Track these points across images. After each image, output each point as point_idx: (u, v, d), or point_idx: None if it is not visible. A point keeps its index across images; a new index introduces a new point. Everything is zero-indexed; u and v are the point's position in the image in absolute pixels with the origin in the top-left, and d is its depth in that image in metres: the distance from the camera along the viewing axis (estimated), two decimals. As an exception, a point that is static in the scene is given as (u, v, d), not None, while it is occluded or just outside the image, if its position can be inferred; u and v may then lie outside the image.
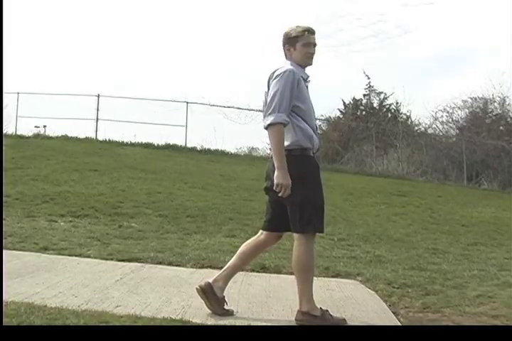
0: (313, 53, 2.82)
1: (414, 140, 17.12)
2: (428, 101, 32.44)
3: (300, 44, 2.79)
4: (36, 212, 5.62)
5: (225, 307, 2.78)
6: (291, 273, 3.08)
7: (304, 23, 2.85)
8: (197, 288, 2.81)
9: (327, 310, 2.75)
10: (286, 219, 2.74)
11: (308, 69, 2.90)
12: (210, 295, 2.76)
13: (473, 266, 4.51)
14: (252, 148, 16.82)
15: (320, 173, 2.80)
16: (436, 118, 19.15)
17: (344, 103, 20.89)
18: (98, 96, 14.57)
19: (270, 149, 2.77)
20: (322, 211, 2.74)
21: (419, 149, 16.78)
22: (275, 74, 2.74)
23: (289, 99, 2.65)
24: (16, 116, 14.56)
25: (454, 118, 19.37)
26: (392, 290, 3.55)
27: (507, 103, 18.80)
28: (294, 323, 2.67)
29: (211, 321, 2.63)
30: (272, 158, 2.71)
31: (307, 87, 2.85)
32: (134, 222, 5.56)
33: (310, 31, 2.80)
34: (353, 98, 20.86)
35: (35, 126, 14.33)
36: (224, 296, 2.80)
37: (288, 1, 33.23)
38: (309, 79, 2.87)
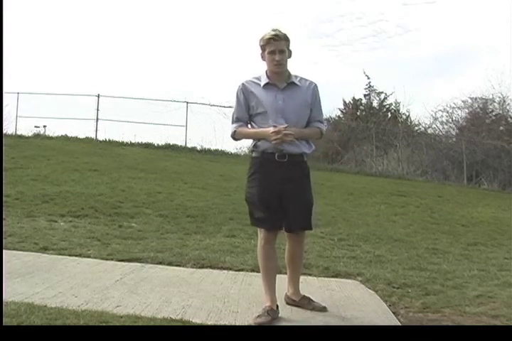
0: (279, 60, 2.74)
1: (414, 140, 17.12)
2: (428, 101, 32.49)
3: (266, 52, 2.78)
4: (36, 212, 5.62)
5: (313, 302, 2.98)
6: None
7: (282, 28, 2.79)
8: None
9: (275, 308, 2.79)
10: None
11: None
12: (292, 302, 3.02)
13: (473, 266, 4.51)
14: (252, 148, 16.78)
15: (268, 171, 2.80)
16: (436, 118, 19.19)
17: (344, 102, 20.92)
18: (98, 96, 14.57)
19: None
20: (258, 207, 2.82)
21: (419, 149, 16.77)
22: None
23: (236, 111, 2.91)
24: (15, 116, 14.60)
25: (454, 118, 19.41)
26: (392, 290, 3.54)
27: (507, 103, 18.82)
28: (293, 323, 2.67)
29: (211, 321, 2.63)
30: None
31: (284, 90, 2.80)
32: (134, 222, 5.55)
33: (275, 38, 2.73)
34: (353, 98, 20.90)
35: (35, 126, 14.38)
36: (303, 295, 3.02)
37: (288, 1, 33.26)
38: (278, 83, 2.81)
